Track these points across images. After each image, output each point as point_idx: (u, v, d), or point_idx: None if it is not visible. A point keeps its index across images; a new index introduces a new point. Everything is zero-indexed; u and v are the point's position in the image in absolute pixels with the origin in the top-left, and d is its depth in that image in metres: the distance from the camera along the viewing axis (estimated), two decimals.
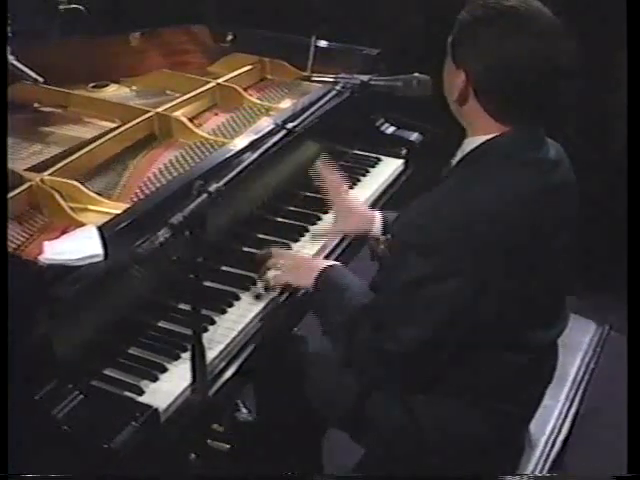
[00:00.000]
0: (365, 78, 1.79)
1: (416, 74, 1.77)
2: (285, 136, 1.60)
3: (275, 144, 1.57)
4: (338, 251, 2.04)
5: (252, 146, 1.83)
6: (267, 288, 1.79)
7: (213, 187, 1.36)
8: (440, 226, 1.47)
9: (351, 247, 2.06)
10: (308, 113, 1.72)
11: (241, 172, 1.45)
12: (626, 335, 1.64)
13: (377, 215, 1.97)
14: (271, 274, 1.80)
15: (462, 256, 1.45)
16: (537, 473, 1.79)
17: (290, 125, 1.61)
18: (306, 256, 1.92)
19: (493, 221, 1.47)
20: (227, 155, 1.88)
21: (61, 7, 2.39)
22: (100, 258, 1.48)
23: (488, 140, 1.52)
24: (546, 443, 1.85)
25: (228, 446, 2.11)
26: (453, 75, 1.52)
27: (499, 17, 1.47)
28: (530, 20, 1.46)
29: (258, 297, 1.79)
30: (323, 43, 2.46)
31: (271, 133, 1.63)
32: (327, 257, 1.98)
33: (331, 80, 1.82)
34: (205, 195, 1.34)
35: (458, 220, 1.46)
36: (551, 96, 1.51)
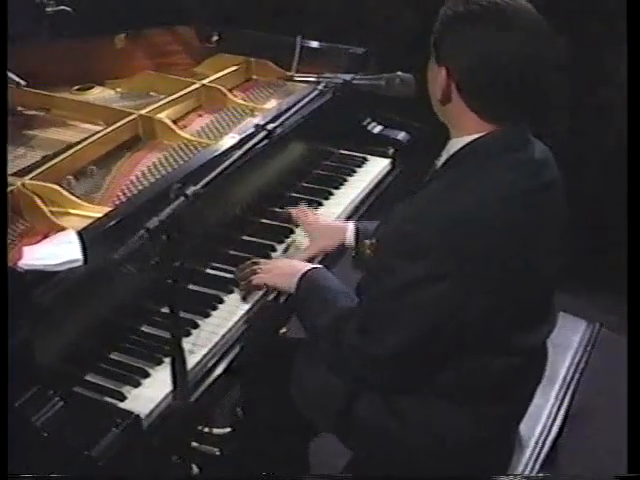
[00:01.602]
0: (348, 77, 1.76)
1: (399, 73, 1.75)
2: (266, 137, 1.58)
3: (255, 145, 1.55)
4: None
5: (234, 148, 1.81)
6: (246, 294, 1.80)
7: (190, 190, 1.34)
8: (427, 230, 1.44)
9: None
10: (291, 113, 1.70)
11: (220, 174, 1.43)
12: (616, 332, 1.63)
13: (350, 225, 1.97)
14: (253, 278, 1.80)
15: (449, 260, 1.43)
16: (527, 473, 1.78)
17: (270, 126, 1.59)
18: (288, 260, 1.90)
19: (480, 224, 1.45)
20: (208, 157, 1.87)
21: (49, 9, 2.37)
22: (79, 263, 1.47)
23: (473, 141, 1.50)
24: (536, 443, 1.84)
25: (217, 449, 2.10)
26: (436, 73, 1.50)
27: (482, 13, 1.43)
28: (513, 17, 1.43)
29: (245, 299, 1.78)
30: (309, 43, 2.44)
31: (253, 135, 1.60)
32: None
33: (314, 80, 1.80)
34: (182, 198, 1.32)
35: (445, 224, 1.44)
36: (535, 94, 1.49)
